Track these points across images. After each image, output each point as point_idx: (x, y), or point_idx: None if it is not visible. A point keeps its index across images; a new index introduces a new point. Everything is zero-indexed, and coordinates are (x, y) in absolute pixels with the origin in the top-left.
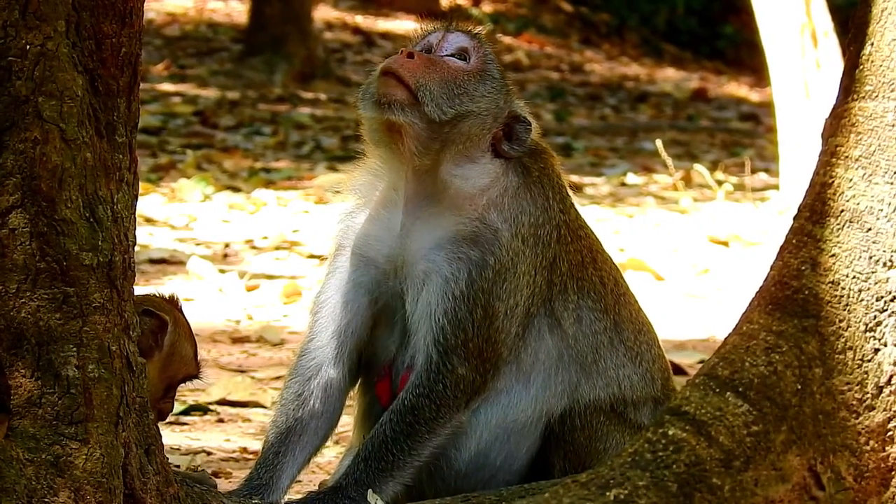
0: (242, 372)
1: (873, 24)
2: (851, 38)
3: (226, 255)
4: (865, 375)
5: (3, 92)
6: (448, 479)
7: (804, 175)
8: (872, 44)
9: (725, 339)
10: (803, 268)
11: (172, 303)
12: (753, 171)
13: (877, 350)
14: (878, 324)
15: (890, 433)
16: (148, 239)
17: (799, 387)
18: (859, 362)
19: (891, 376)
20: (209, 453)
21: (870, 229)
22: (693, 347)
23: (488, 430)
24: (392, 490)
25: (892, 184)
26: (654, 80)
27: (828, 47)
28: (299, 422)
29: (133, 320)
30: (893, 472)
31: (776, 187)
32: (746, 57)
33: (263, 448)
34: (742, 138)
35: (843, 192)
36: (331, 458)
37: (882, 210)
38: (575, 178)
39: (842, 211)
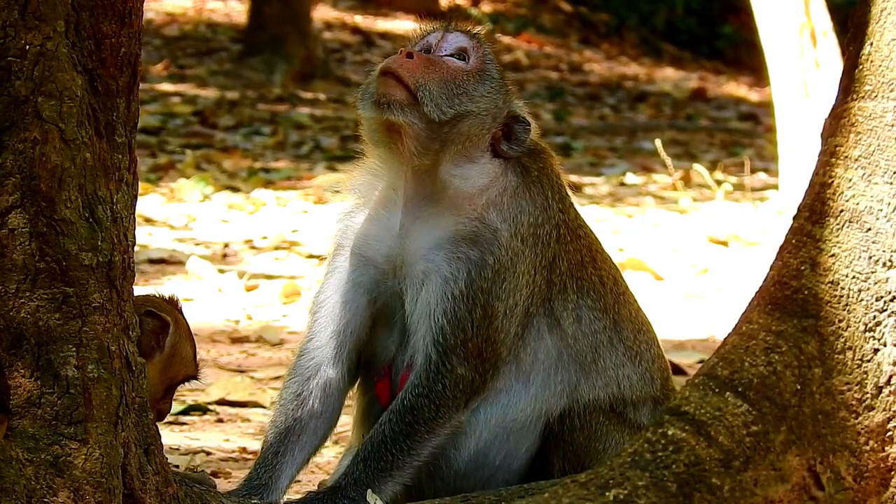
0: (242, 372)
1: (873, 23)
2: (851, 37)
3: (225, 255)
4: (865, 375)
5: (2, 92)
6: (447, 478)
7: (803, 175)
8: (872, 44)
9: (725, 339)
10: (803, 268)
11: (172, 303)
12: (753, 171)
13: (876, 350)
14: (878, 324)
15: (889, 433)
16: (147, 239)
17: (798, 387)
18: (859, 362)
19: (890, 376)
20: (208, 453)
21: (869, 229)
22: (692, 347)
23: (487, 430)
24: (391, 490)
25: (891, 184)
26: (654, 80)
27: (827, 47)
28: (298, 422)
29: (132, 320)
30: (893, 472)
31: (775, 187)
32: (745, 57)
33: (262, 448)
34: (741, 138)
35: (842, 192)
36: (330, 458)
37: (881, 210)
38: (574, 178)
39: (841, 211)
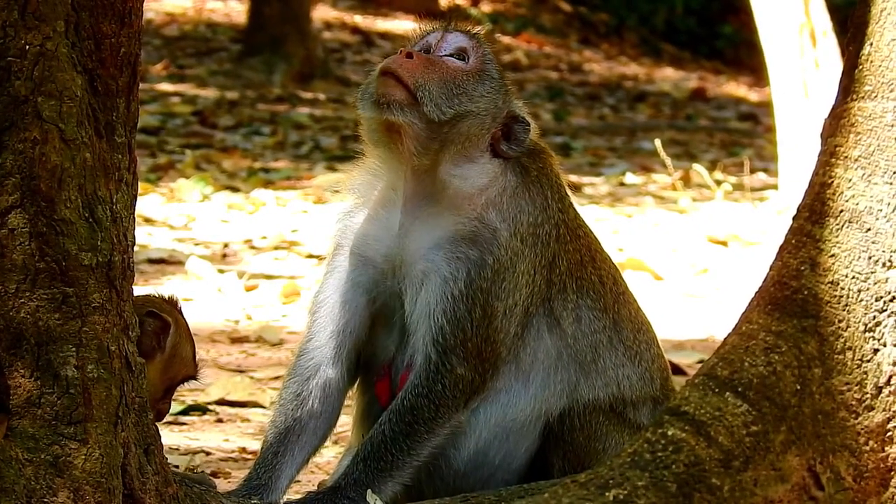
0: (241, 372)
1: (872, 24)
2: (850, 38)
3: (224, 255)
4: (865, 376)
5: (2, 92)
6: (447, 478)
7: (803, 175)
8: (871, 44)
9: (725, 339)
10: (802, 268)
11: (172, 304)
12: (752, 171)
13: (876, 350)
14: (878, 324)
15: (889, 433)
16: (147, 239)
17: (798, 387)
18: (858, 362)
19: (890, 376)
20: (208, 453)
21: (869, 229)
22: (692, 347)
23: (487, 430)
24: (391, 490)
25: (891, 184)
26: (653, 80)
27: (826, 47)
28: (298, 422)
29: (132, 320)
30: (892, 473)
31: (775, 187)
32: (745, 56)
33: (262, 448)
34: (741, 138)
35: (842, 193)
36: (330, 458)
37: (881, 210)
38: (574, 178)
39: (841, 211)
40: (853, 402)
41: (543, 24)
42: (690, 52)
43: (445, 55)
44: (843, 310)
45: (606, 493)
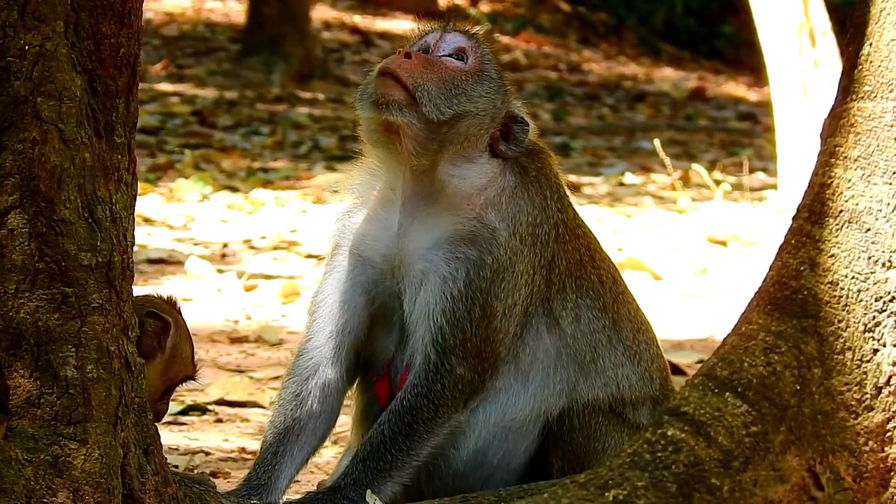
0: (241, 372)
1: (872, 24)
2: (850, 38)
3: (224, 255)
4: (864, 376)
5: (1, 92)
6: (446, 478)
7: (802, 175)
8: (871, 44)
9: (724, 339)
10: (802, 268)
11: (171, 304)
12: (751, 171)
13: (876, 350)
14: (877, 324)
15: (889, 434)
16: (146, 239)
17: (798, 387)
18: (858, 363)
19: (889, 377)
20: (207, 453)
21: (868, 230)
22: (691, 347)
23: (486, 430)
24: (390, 490)
25: (890, 184)
26: (652, 80)
27: (826, 47)
28: (297, 422)
29: (132, 320)
30: (892, 473)
31: (774, 187)
32: (744, 56)
33: (261, 448)
34: (740, 138)
35: (841, 193)
36: (329, 459)
37: (881, 210)
38: (573, 178)
39: (840, 211)
40: (853, 403)
41: (542, 24)
42: (690, 52)
43: (444, 55)
44: (843, 310)
45: (606, 494)
